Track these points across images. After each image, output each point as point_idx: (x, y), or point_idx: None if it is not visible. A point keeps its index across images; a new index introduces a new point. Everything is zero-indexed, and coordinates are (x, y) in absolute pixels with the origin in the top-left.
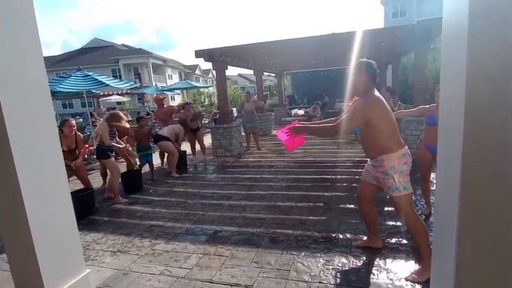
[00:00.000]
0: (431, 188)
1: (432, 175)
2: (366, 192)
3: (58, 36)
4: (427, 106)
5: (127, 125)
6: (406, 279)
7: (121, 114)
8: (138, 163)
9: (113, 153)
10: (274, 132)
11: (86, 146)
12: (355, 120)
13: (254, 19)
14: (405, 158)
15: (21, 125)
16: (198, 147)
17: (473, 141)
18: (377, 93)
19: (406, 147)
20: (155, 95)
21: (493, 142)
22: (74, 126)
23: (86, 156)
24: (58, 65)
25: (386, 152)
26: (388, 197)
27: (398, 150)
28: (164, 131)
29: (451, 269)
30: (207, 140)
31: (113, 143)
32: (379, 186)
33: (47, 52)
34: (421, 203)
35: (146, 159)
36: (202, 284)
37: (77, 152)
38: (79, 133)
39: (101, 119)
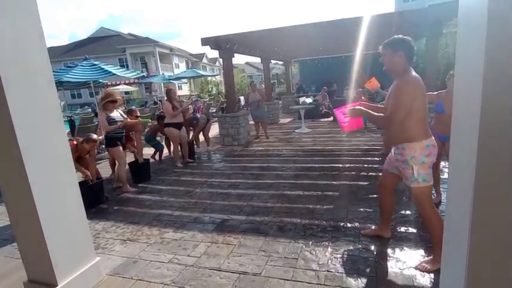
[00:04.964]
0: (441, 177)
1: (442, 163)
2: (387, 181)
3: (65, 28)
4: (435, 93)
5: (134, 120)
6: (416, 268)
7: (112, 92)
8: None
9: (120, 142)
10: (334, 110)
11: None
12: (403, 106)
13: (261, 5)
14: (429, 150)
15: (26, 116)
16: (201, 138)
17: (489, 134)
18: (414, 73)
19: (432, 137)
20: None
21: (509, 135)
22: (95, 144)
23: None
24: (65, 55)
25: (410, 140)
26: (407, 186)
27: (423, 140)
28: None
29: (463, 258)
30: (214, 129)
31: (114, 126)
32: (400, 176)
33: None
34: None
35: (158, 147)
36: (210, 272)
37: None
38: (94, 153)
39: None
